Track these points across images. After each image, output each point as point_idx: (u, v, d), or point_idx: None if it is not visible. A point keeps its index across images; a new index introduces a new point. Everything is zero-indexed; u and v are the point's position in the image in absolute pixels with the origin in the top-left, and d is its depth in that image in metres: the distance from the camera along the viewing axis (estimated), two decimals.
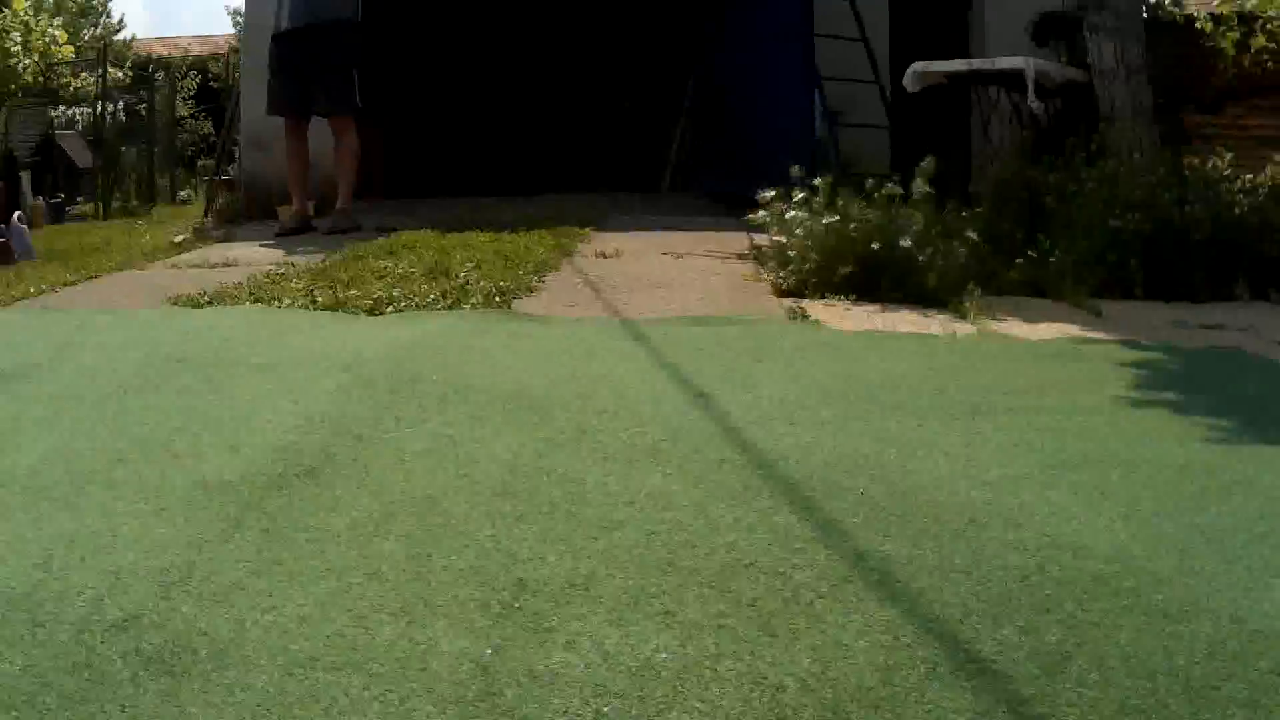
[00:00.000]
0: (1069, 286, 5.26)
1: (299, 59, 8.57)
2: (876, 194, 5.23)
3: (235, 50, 28.68)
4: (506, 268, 5.56)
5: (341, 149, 8.81)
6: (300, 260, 6.58)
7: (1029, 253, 5.57)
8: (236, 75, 25.65)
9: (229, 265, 6.50)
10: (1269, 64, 9.74)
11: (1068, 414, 2.95)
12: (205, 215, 13.33)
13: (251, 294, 5.03)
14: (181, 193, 22.76)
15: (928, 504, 2.25)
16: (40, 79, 18.28)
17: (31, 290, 5.87)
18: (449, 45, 12.63)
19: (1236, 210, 6.02)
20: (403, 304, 4.60)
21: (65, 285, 6.10)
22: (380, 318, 4.39)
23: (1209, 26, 10.03)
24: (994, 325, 4.45)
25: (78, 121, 20.82)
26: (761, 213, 5.71)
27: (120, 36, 35.01)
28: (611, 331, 3.93)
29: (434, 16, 11.73)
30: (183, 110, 25.07)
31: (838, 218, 5.01)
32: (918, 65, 7.97)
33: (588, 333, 3.94)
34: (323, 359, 3.47)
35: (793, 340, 3.76)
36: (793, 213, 5.21)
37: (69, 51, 18.71)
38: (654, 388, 3.09)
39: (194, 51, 33.16)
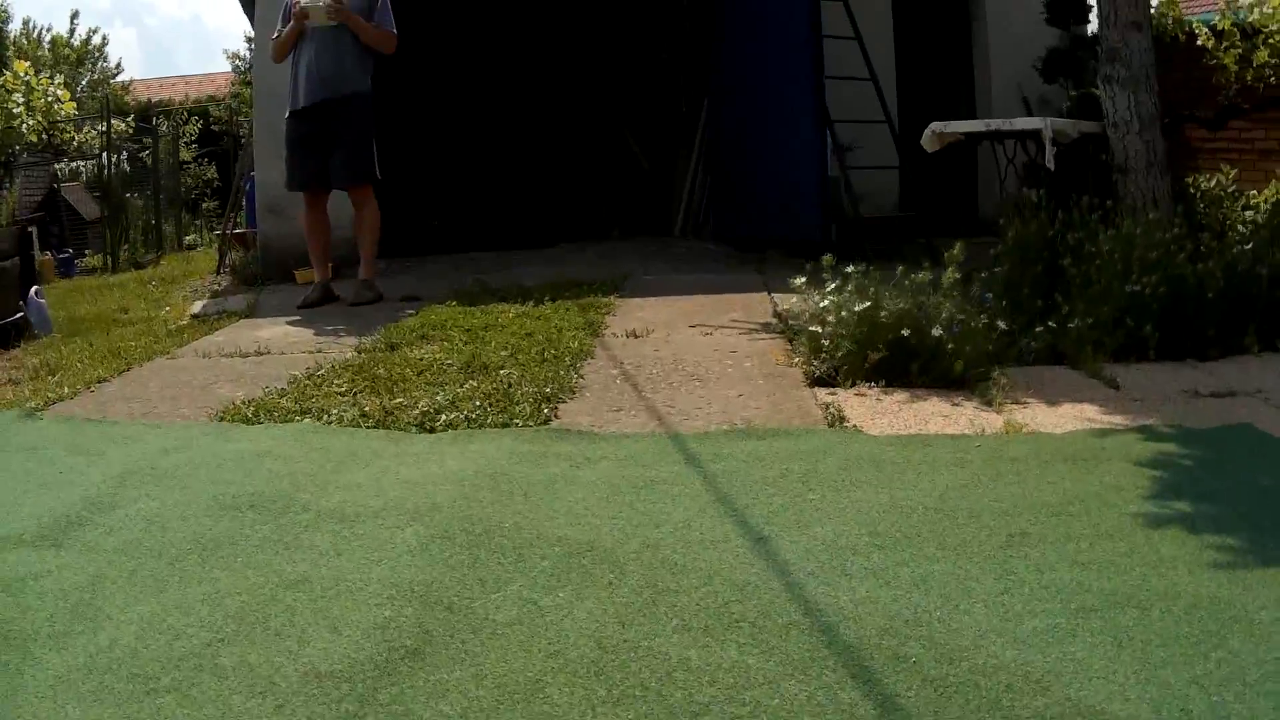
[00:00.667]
0: (1087, 355, 5.54)
1: (317, 134, 8.77)
2: (907, 280, 5.46)
3: (235, 95, 28.96)
4: (543, 360, 5.80)
5: (362, 219, 9.06)
6: (333, 346, 6.81)
7: (1049, 322, 5.81)
8: (238, 119, 25.97)
9: (263, 354, 6.73)
10: (1272, 79, 9.78)
11: (1092, 541, 3.22)
12: (218, 272, 13.56)
13: (298, 403, 5.21)
14: (188, 238, 23.08)
15: (969, 670, 2.49)
16: (44, 136, 18.38)
17: (65, 390, 5.96)
18: (443, 91, 12.66)
19: (1241, 265, 6.21)
20: (451, 414, 4.81)
21: (97, 381, 6.20)
22: (433, 435, 4.60)
23: (1211, 43, 10.08)
24: (1018, 412, 4.72)
25: (81, 173, 20.88)
26: (794, 299, 5.88)
27: (119, 79, 35.41)
28: (663, 452, 4.16)
29: (426, 62, 11.76)
30: (185, 154, 25.39)
31: (870, 303, 5.26)
32: (936, 125, 8.12)
33: (641, 452, 4.18)
34: (394, 505, 3.65)
35: (836, 458, 3.99)
36: (825, 302, 5.42)
37: (71, 108, 18.79)
38: (715, 530, 3.33)
39: (193, 93, 33.47)
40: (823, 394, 5.06)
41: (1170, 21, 11.48)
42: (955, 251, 5.67)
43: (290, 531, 3.47)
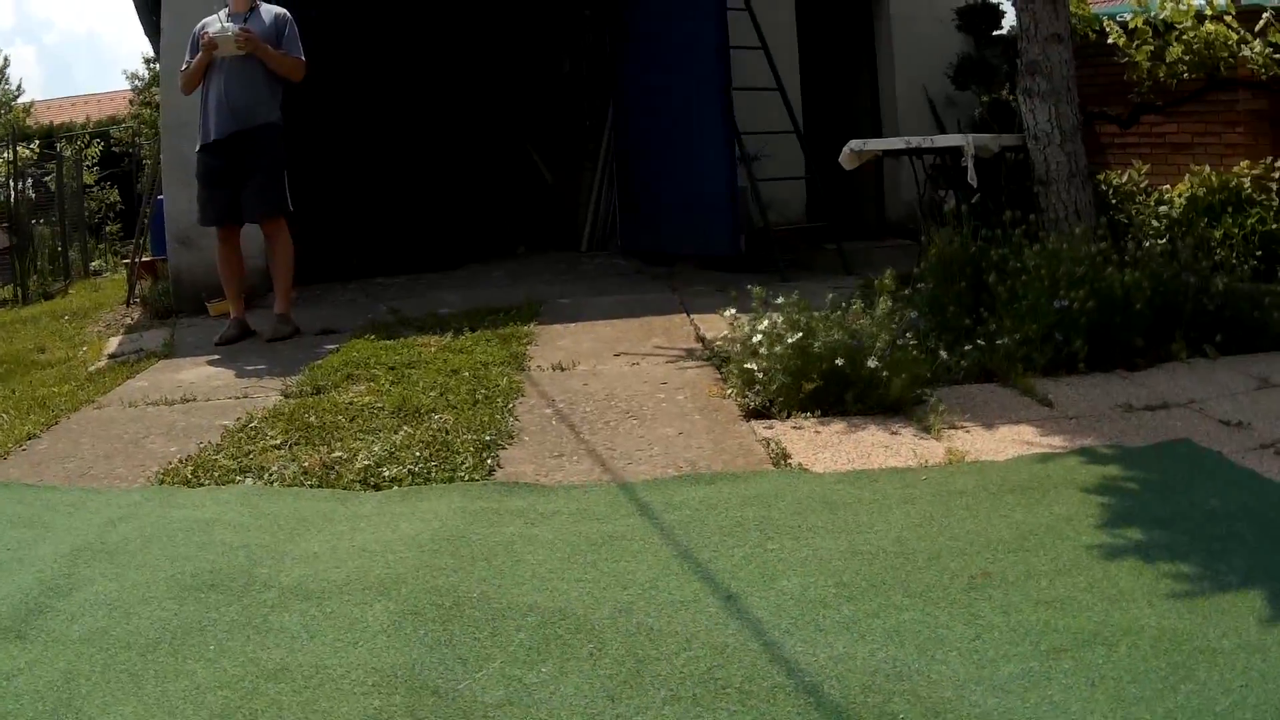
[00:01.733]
0: (1017, 372, 5.73)
1: (228, 168, 8.77)
2: (838, 308, 5.63)
3: (135, 116, 28.73)
4: (474, 402, 5.88)
5: (276, 252, 9.08)
6: (259, 389, 6.88)
7: (978, 340, 5.97)
8: (139, 139, 25.77)
9: (189, 400, 6.68)
10: (1185, 74, 9.99)
11: (1052, 578, 3.36)
12: (128, 303, 13.49)
13: (236, 460, 5.21)
14: (94, 263, 22.98)
15: None
16: None
17: None
18: (343, 112, 12.56)
19: (1168, 273, 6.40)
20: (394, 469, 4.85)
21: (27, 438, 6.11)
22: (380, 494, 4.63)
23: (1122, 40, 10.24)
24: (957, 438, 4.90)
25: None
26: (724, 333, 6.06)
27: (20, 100, 35.04)
28: (615, 503, 4.25)
29: (323, 82, 11.69)
30: (88, 178, 25.33)
31: (802, 334, 5.38)
32: (854, 144, 8.32)
33: (593, 505, 4.25)
34: (356, 578, 3.67)
35: (788, 502, 4.11)
36: (757, 336, 5.53)
37: None
38: (683, 589, 3.41)
39: (94, 114, 33.20)
40: (760, 428, 5.18)
41: (1078, 20, 11.66)
42: (886, 280, 5.83)
43: (258, 613, 3.46)
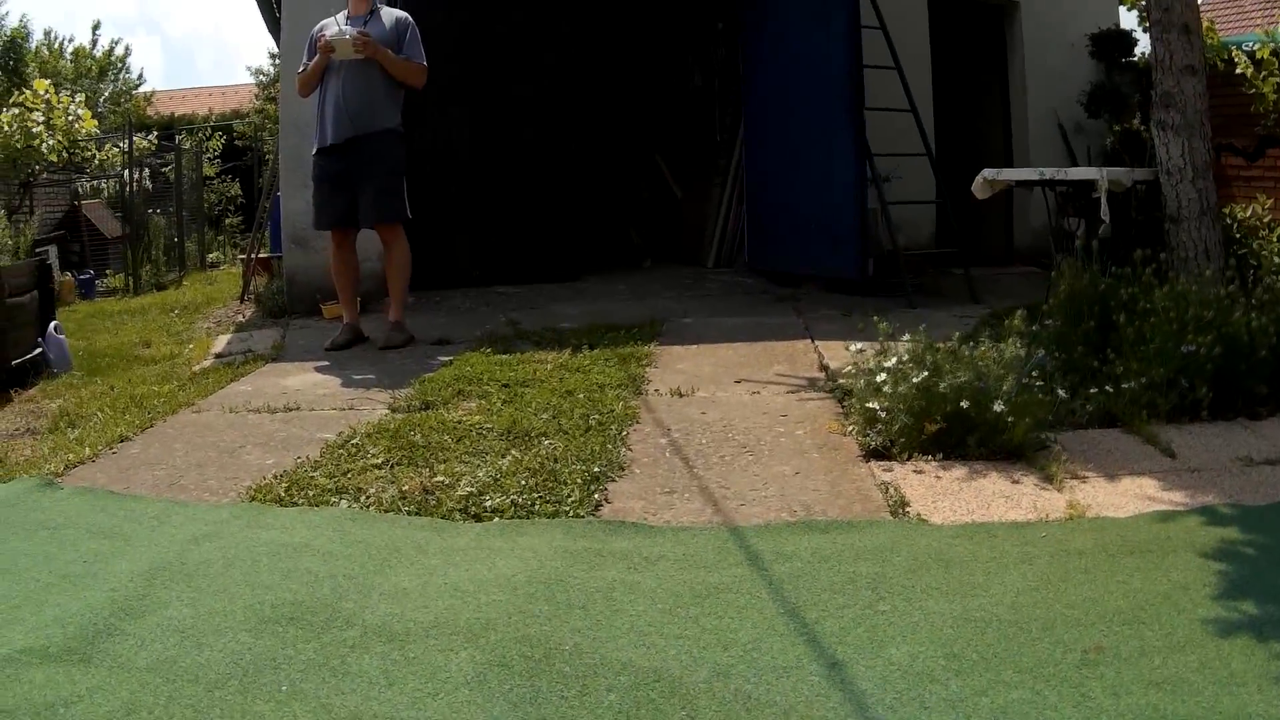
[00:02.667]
0: (1141, 420, 5.63)
1: (345, 172, 8.82)
2: (963, 348, 5.59)
3: (259, 110, 29.12)
4: (587, 428, 5.82)
5: (393, 259, 9.10)
6: (365, 401, 6.92)
7: (1104, 385, 5.87)
8: (262, 134, 26.09)
9: (291, 410, 6.73)
10: None
11: (1165, 655, 3.24)
12: (242, 299, 13.63)
13: (332, 479, 5.21)
14: (210, 255, 23.35)
15: None
16: (64, 155, 18.57)
17: (86, 450, 5.95)
18: (468, 117, 12.62)
19: None
20: (496, 498, 4.79)
21: (119, 440, 6.19)
22: (479, 525, 4.57)
23: (1250, 71, 10.09)
24: (1079, 489, 4.79)
25: (103, 190, 21.23)
26: (849, 368, 6.09)
27: (141, 90, 35.72)
28: (723, 550, 4.17)
29: (451, 87, 11.71)
30: (208, 170, 25.76)
31: (928, 373, 5.30)
32: (987, 173, 8.27)
33: (701, 551, 4.17)
34: (445, 621, 3.60)
35: (903, 557, 4.03)
36: (881, 375, 5.46)
37: (91, 125, 19.00)
38: (787, 654, 3.31)
39: (216, 106, 33.76)
40: (880, 470, 5.10)
41: (1207, 50, 11.52)
42: (1015, 321, 5.74)
43: (336, 653, 3.40)
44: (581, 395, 6.59)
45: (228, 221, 26.10)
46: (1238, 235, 9.74)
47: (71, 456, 5.89)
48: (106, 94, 34.34)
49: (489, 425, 5.95)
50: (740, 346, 8.18)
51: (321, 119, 8.96)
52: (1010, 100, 14.59)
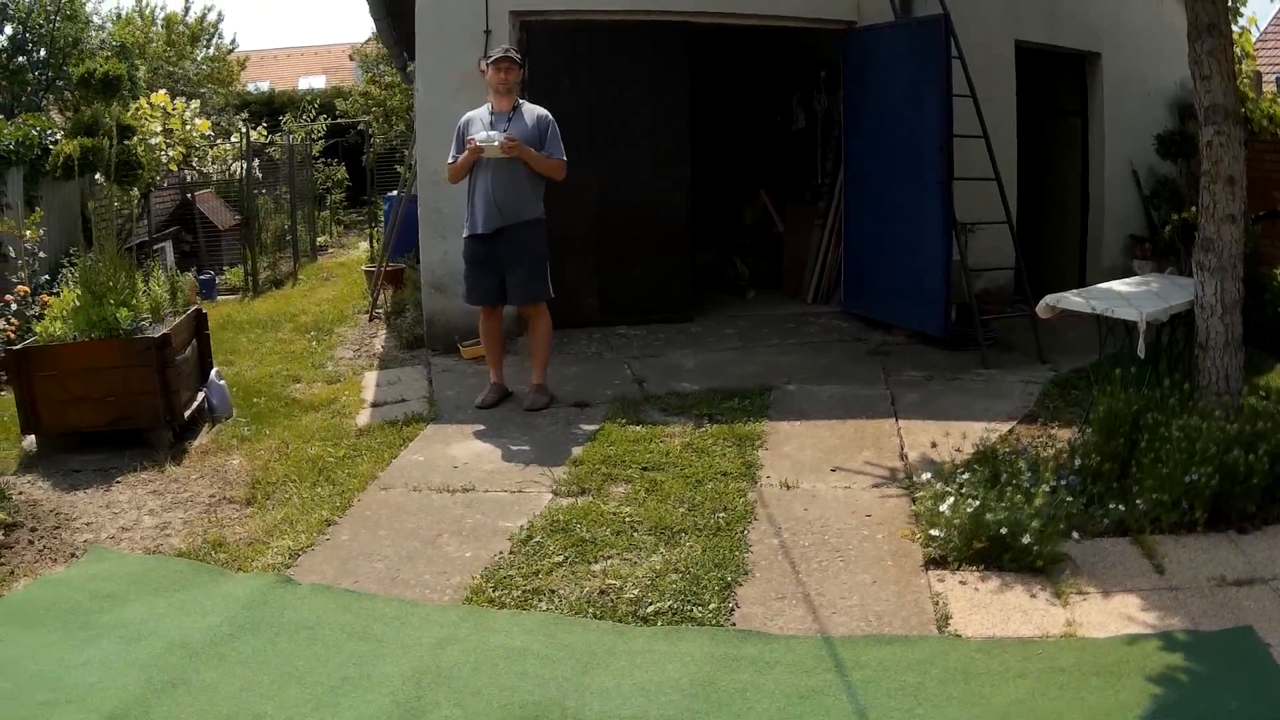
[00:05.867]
0: (1146, 535, 7.70)
1: (495, 257, 10.85)
2: (1010, 486, 7.80)
3: (364, 94, 31.05)
4: (717, 530, 7.96)
5: (537, 332, 11.16)
6: (530, 485, 8.94)
7: (1120, 503, 7.99)
8: (367, 118, 27.91)
9: (469, 490, 8.78)
10: None
11: None
12: (370, 315, 15.75)
13: (527, 580, 7.11)
14: (319, 238, 25.54)
15: None
16: (182, 162, 20.28)
17: (302, 538, 7.75)
18: (578, 156, 13.58)
19: None
20: (657, 602, 6.77)
21: (325, 524, 7.99)
22: (648, 630, 6.49)
23: None
24: (1078, 606, 6.86)
25: (212, 179, 23.39)
26: (920, 494, 8.23)
27: (233, 55, 37.60)
28: (820, 658, 6.18)
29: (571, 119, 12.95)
30: (315, 148, 28.12)
31: (979, 504, 7.52)
32: (1050, 298, 9.96)
33: (805, 658, 6.15)
34: (641, 715, 5.47)
35: (939, 669, 5.99)
36: (944, 507, 7.69)
37: (206, 127, 20.69)
38: None
39: (309, 67, 35.68)
40: (934, 580, 7.24)
41: (1267, 120, 13.34)
42: (1046, 474, 7.99)
43: None
44: (709, 486, 8.78)
45: (332, 197, 28.15)
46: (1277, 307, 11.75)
47: (289, 543, 7.65)
48: (200, 57, 36.16)
49: (639, 519, 7.99)
50: (835, 425, 10.39)
51: (472, 208, 10.95)
52: (1089, 147, 16.71)
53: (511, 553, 7.54)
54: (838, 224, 15.75)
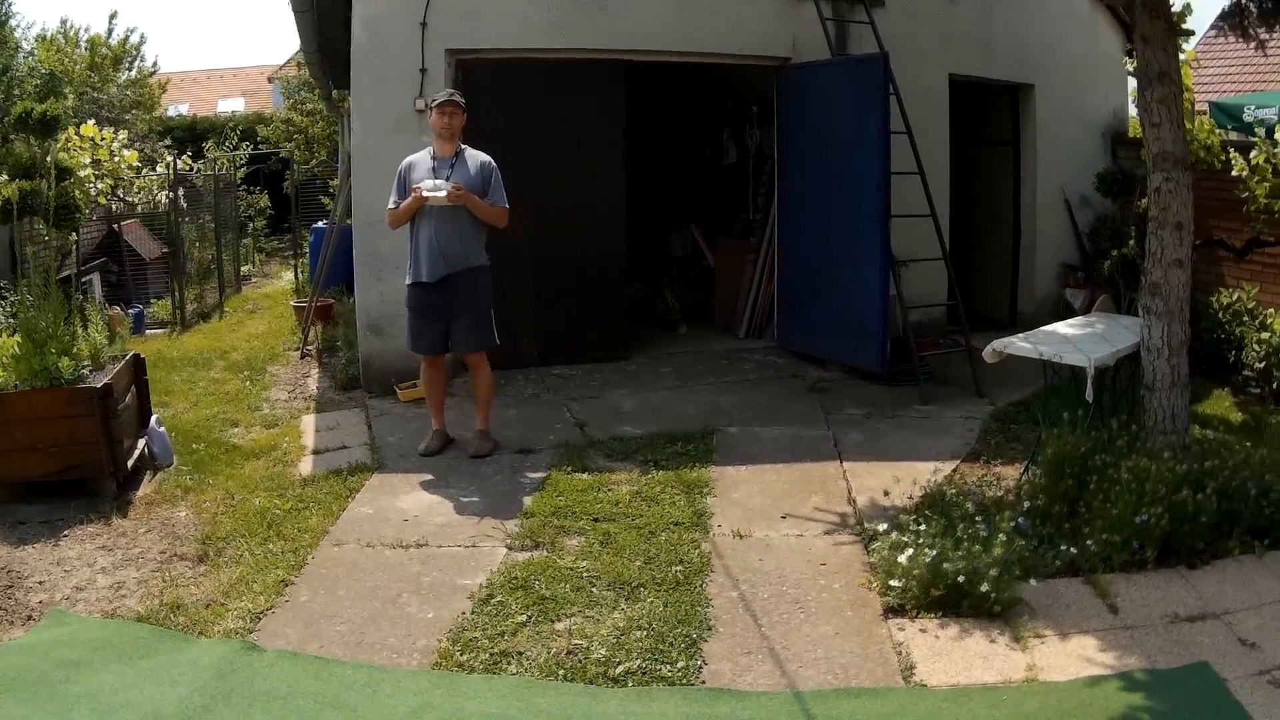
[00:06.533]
0: (1099, 576, 7.95)
1: (440, 305, 10.95)
2: (966, 535, 8.00)
3: (285, 121, 31.23)
4: (676, 585, 8.08)
5: (478, 378, 11.34)
6: (484, 539, 9.00)
7: (1071, 547, 8.23)
8: (290, 146, 28.11)
9: (423, 545, 8.80)
10: None
11: None
12: (301, 353, 15.92)
13: (493, 642, 7.12)
14: (243, 267, 25.88)
15: None
16: (110, 194, 20.38)
17: (261, 600, 7.69)
18: (526, 210, 13.31)
19: (1234, 483, 8.58)
20: (625, 662, 6.86)
21: (283, 584, 7.98)
22: (620, 691, 6.56)
23: (1245, 173, 12.53)
24: (1037, 650, 7.08)
25: (137, 209, 23.15)
26: (875, 544, 8.45)
27: (154, 78, 37.78)
28: (791, 714, 6.36)
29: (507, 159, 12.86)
30: (237, 175, 28.33)
31: (937, 553, 7.73)
32: (997, 344, 10.09)
33: (776, 714, 6.37)
34: None
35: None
36: (902, 557, 7.89)
37: (133, 158, 20.82)
38: None
39: (227, 90, 35.85)
40: (895, 629, 7.43)
41: (1205, 151, 13.70)
42: (1003, 522, 8.22)
43: None
44: (662, 537, 8.90)
45: (253, 225, 28.34)
46: (1224, 320, 12.11)
47: (249, 605, 7.61)
48: (123, 79, 36.23)
49: (596, 574, 8.07)
50: (782, 470, 10.61)
51: (415, 256, 11.03)
52: (1021, 177, 17.19)
53: (474, 612, 7.57)
54: (770, 258, 16.06)
